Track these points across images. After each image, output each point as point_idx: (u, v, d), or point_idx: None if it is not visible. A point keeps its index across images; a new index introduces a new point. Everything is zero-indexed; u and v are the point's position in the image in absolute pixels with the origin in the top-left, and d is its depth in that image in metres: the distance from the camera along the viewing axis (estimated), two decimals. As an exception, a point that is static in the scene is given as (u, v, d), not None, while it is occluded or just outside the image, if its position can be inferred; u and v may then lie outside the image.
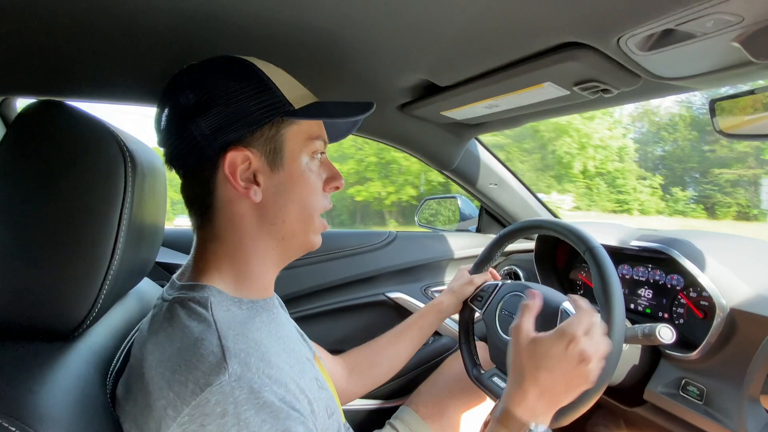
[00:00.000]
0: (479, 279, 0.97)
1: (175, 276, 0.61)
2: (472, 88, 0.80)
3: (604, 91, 0.72)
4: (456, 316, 0.99)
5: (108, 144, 0.51)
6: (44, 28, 0.59)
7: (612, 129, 16.60)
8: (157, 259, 1.10)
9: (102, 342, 0.57)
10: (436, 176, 12.24)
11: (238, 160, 0.55)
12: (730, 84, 0.67)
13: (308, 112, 0.58)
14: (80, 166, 0.49)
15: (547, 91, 0.76)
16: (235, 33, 0.63)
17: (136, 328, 0.66)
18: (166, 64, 0.68)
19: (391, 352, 0.93)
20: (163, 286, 0.63)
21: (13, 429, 0.39)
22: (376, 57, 0.74)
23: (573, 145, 15.27)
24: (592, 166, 16.02)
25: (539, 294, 0.69)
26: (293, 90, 0.59)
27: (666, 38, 0.54)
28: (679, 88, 0.73)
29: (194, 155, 0.55)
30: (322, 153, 0.62)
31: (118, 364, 0.58)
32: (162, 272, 1.08)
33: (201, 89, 0.55)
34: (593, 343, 0.60)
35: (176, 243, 1.22)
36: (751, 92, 0.60)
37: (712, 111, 0.65)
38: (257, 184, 0.56)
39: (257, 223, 0.58)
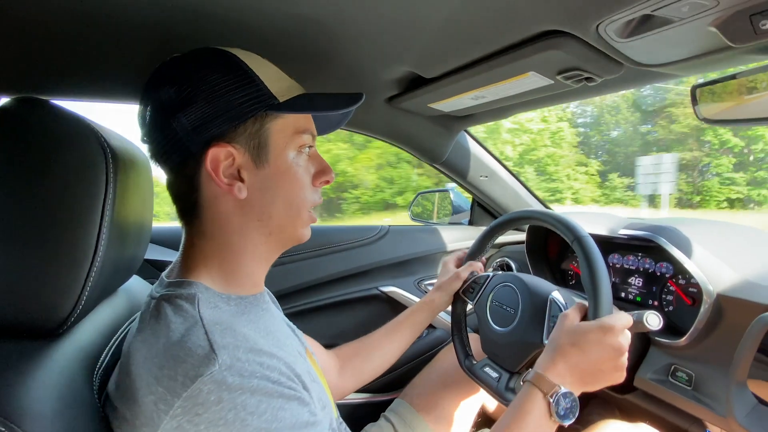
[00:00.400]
0: (465, 272, 0.97)
1: (164, 273, 0.61)
2: (458, 79, 0.80)
3: (588, 79, 0.72)
4: (449, 308, 1.00)
5: (88, 140, 0.51)
6: (22, 25, 0.58)
7: (541, 112, 15.22)
8: (148, 257, 1.10)
9: (89, 339, 0.57)
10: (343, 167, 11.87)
11: (221, 156, 0.53)
12: (712, 70, 0.67)
13: (293, 105, 0.57)
14: (60, 163, 0.49)
15: (532, 80, 0.76)
16: (220, 24, 0.62)
17: (124, 326, 0.66)
18: (150, 58, 0.67)
19: (383, 349, 0.93)
20: (153, 284, 0.63)
21: None
22: (361, 48, 0.73)
23: (479, 128, 13.77)
24: (512, 152, 14.80)
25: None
26: (278, 82, 0.57)
27: (644, 24, 0.54)
28: (662, 75, 0.73)
29: (177, 152, 0.54)
30: (310, 147, 0.61)
31: (105, 361, 0.58)
32: (153, 270, 1.08)
33: (182, 83, 0.53)
34: (627, 341, 0.64)
35: (167, 240, 1.22)
36: (733, 77, 0.60)
37: (694, 98, 0.65)
38: (242, 180, 0.55)
39: (243, 219, 0.57)
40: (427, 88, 0.88)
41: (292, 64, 0.63)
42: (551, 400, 0.60)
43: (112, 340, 0.62)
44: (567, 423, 0.60)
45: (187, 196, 0.56)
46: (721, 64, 0.64)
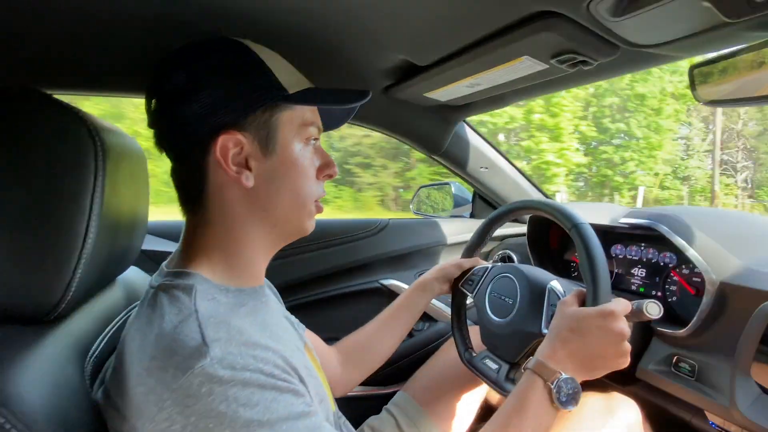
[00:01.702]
0: (467, 263, 0.96)
1: (164, 263, 0.61)
2: (452, 66, 0.79)
3: (584, 63, 0.71)
4: (450, 300, 0.99)
5: (76, 128, 0.51)
6: (24, 17, 0.58)
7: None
8: (151, 248, 1.11)
9: (82, 327, 0.58)
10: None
11: (230, 144, 0.54)
12: (711, 50, 0.65)
13: (304, 97, 0.58)
14: (47, 151, 0.49)
15: (526, 65, 0.74)
16: (218, 16, 0.62)
17: (120, 315, 0.67)
18: (153, 50, 0.67)
19: (381, 337, 0.92)
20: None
21: None
22: (354, 37, 0.73)
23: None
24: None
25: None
26: (288, 75, 0.58)
27: (636, 1, 0.52)
28: (660, 57, 0.71)
29: (185, 138, 0.54)
30: (315, 140, 0.61)
31: (99, 349, 0.58)
32: (153, 264, 1.09)
33: (193, 70, 0.54)
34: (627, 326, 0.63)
35: (170, 234, 1.22)
36: (732, 55, 0.59)
37: (692, 80, 0.64)
38: (249, 169, 0.55)
39: (249, 209, 0.57)
40: (422, 77, 0.87)
41: (286, 57, 0.63)
42: (552, 387, 0.59)
43: (107, 329, 0.62)
44: (569, 409, 0.59)
45: (192, 184, 0.56)
46: (721, 43, 0.62)
